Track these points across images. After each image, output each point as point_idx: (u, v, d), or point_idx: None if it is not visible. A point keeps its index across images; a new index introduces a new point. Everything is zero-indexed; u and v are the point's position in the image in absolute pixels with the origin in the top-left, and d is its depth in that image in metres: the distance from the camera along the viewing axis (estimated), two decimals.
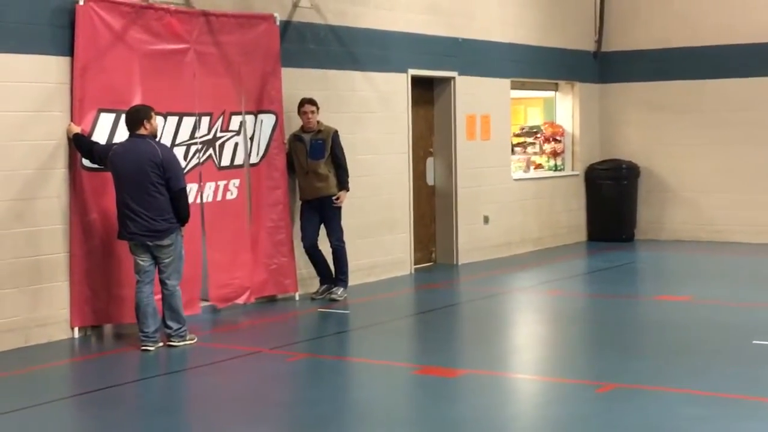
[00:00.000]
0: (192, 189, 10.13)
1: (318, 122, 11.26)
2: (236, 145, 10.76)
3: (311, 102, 11.21)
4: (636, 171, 16.64)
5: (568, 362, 8.77)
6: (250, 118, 10.89)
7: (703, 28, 16.21)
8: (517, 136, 16.36)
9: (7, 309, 8.95)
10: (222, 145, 10.63)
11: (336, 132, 11.31)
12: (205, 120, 10.42)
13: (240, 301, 10.80)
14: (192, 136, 10.28)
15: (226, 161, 10.68)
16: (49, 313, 9.26)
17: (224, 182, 10.63)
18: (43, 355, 8.87)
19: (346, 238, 11.51)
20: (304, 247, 11.35)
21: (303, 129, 11.29)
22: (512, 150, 15.78)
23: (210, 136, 10.49)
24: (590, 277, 13.74)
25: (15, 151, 9.00)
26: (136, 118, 8.95)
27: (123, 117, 9.18)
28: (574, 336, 9.93)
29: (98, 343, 9.46)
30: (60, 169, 9.32)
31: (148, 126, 8.96)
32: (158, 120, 9.32)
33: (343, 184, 11.35)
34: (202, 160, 10.39)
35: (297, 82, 11.51)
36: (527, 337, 10.10)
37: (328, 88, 12.02)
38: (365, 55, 12.62)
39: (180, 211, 8.98)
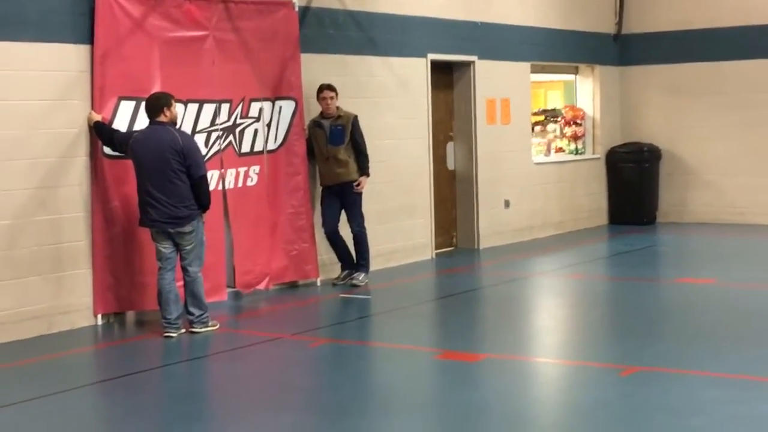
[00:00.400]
0: (213, 176, 10.15)
1: (338, 108, 11.25)
2: (256, 131, 10.76)
3: (330, 88, 11.20)
4: (657, 154, 16.56)
5: (590, 346, 8.76)
6: (269, 105, 10.89)
7: (724, 9, 16.09)
8: (535, 114, 16.24)
9: (30, 296, 9.00)
10: (242, 132, 10.64)
11: (356, 117, 11.30)
12: (225, 107, 10.43)
13: (261, 287, 10.82)
14: (212, 123, 10.30)
15: (246, 148, 10.68)
16: (72, 301, 9.31)
17: (245, 168, 10.64)
18: (67, 342, 8.93)
19: (366, 223, 11.51)
20: (325, 232, 11.36)
21: (322, 115, 11.29)
22: (532, 130, 15.70)
23: (230, 123, 10.49)
24: (612, 260, 13.70)
25: (37, 139, 9.04)
26: (156, 105, 8.97)
27: (143, 104, 9.20)
28: (596, 320, 9.91)
29: (121, 329, 9.51)
30: (81, 157, 9.35)
31: (168, 113, 8.97)
32: (178, 107, 9.34)
33: (363, 170, 11.34)
34: (222, 147, 10.41)
35: (316, 67, 11.50)
36: (549, 321, 10.08)
37: (347, 74, 12.00)
38: (384, 40, 12.59)
39: (201, 197, 8.99)
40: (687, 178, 16.58)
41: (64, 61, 9.21)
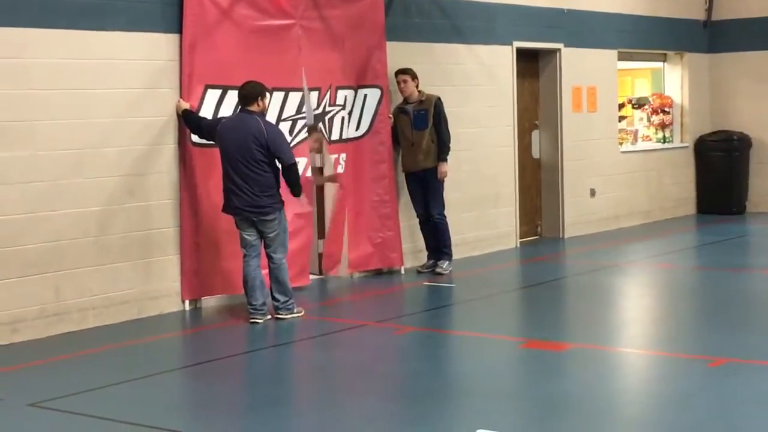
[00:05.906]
0: (301, 163, 10.17)
1: (420, 92, 11.24)
2: (343, 119, 10.78)
3: (403, 72, 11.17)
4: (747, 142, 16.24)
5: (678, 336, 8.63)
6: (353, 93, 10.89)
7: None
8: (622, 106, 16.04)
9: (121, 282, 9.16)
10: (331, 119, 10.67)
11: (438, 99, 11.25)
12: (313, 95, 10.44)
13: (339, 272, 10.93)
14: (298, 111, 10.33)
15: (335, 135, 10.71)
16: (161, 286, 9.45)
17: (335, 156, 10.70)
18: (155, 327, 9.07)
19: (451, 211, 11.49)
20: (418, 215, 11.41)
21: (406, 101, 11.30)
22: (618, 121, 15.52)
23: (319, 111, 10.53)
24: (700, 250, 13.48)
25: (127, 127, 9.18)
26: (252, 94, 9.01)
27: (237, 92, 9.21)
28: (684, 310, 9.77)
29: (207, 315, 9.60)
30: (170, 145, 9.48)
31: (260, 104, 9.04)
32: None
33: (440, 155, 11.23)
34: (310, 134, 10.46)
35: (402, 55, 11.49)
36: (636, 311, 9.97)
37: (432, 62, 11.98)
38: (470, 28, 12.54)
39: (292, 185, 9.05)
40: None
41: (154, 50, 9.33)
